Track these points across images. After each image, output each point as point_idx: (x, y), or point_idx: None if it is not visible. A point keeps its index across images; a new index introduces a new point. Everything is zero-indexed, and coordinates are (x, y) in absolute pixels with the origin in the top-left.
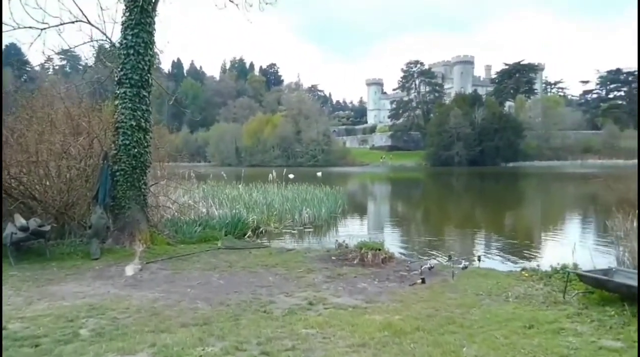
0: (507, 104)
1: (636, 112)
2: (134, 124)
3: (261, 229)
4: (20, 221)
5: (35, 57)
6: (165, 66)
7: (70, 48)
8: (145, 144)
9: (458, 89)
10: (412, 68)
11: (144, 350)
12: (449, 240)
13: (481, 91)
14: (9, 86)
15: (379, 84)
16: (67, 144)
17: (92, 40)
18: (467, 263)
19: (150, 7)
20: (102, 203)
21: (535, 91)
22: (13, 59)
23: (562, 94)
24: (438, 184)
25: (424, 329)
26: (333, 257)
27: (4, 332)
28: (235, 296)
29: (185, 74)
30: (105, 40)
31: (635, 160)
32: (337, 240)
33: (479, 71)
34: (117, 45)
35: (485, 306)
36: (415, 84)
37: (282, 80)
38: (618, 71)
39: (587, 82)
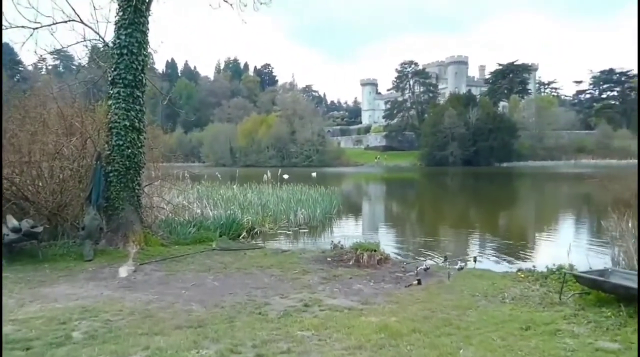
0: (501, 104)
1: (629, 112)
2: (128, 124)
3: (256, 230)
4: (12, 222)
5: (27, 57)
6: (159, 66)
7: (63, 48)
8: (139, 145)
9: (452, 89)
10: (406, 68)
11: (138, 353)
12: (444, 240)
13: (475, 91)
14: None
15: (373, 84)
16: (60, 145)
17: (85, 40)
18: (463, 264)
19: (144, 6)
20: (96, 204)
21: (529, 91)
22: (5, 58)
23: (555, 94)
24: (433, 184)
25: (421, 331)
26: (328, 259)
27: None
28: (230, 298)
29: (180, 74)
30: (99, 40)
31: (629, 160)
32: (332, 241)
33: (473, 71)
34: (111, 45)
35: (482, 307)
36: (410, 84)
37: (277, 81)
38: (611, 71)
39: (580, 82)
